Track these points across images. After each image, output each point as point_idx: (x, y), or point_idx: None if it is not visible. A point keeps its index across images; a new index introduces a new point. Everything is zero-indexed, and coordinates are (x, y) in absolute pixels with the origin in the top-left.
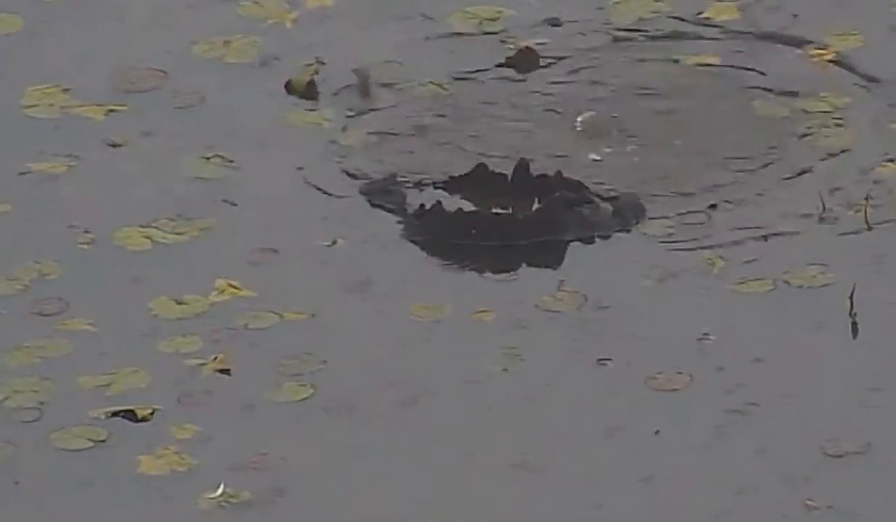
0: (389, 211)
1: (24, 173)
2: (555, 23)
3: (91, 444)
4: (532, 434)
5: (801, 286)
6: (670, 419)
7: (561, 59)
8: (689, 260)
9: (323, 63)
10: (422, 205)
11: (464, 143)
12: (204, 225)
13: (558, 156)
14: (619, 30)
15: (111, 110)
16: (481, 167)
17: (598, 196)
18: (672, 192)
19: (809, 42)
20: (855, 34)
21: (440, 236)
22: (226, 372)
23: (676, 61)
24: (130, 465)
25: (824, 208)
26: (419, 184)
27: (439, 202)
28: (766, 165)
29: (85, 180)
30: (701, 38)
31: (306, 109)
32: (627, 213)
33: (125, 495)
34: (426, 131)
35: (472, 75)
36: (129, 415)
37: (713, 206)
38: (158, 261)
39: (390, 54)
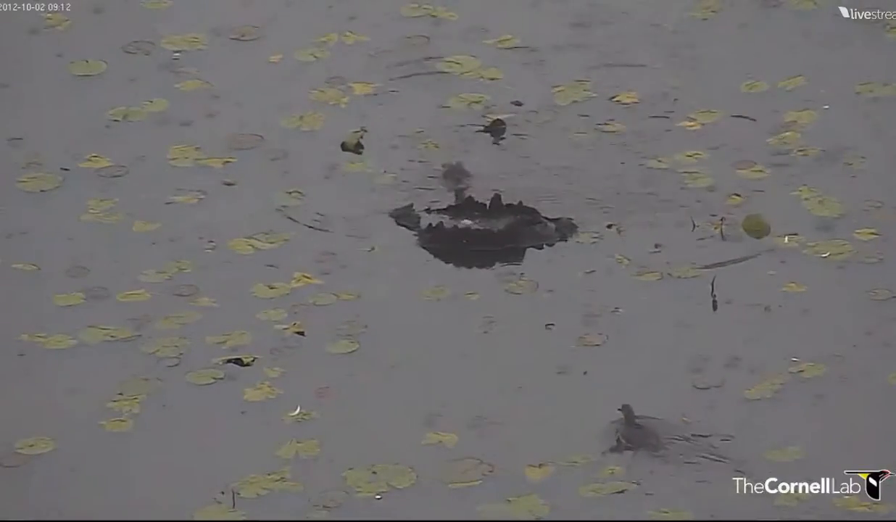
0: (409, 228)
1: (168, 203)
2: (517, 104)
3: (213, 380)
4: (501, 369)
5: (679, 276)
6: (594, 364)
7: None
8: (605, 259)
9: (366, 130)
10: (430, 224)
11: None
12: (287, 237)
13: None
14: (558, 107)
15: (227, 161)
16: (470, 198)
17: (545, 218)
18: (590, 216)
19: (683, 116)
20: (714, 112)
21: (442, 245)
22: (301, 333)
23: (594, 129)
24: (239, 394)
25: (694, 226)
26: (428, 210)
27: (441, 222)
28: (654, 198)
29: (209, 207)
30: (612, 113)
31: (355, 161)
32: (564, 230)
33: (236, 413)
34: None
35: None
36: (238, 362)
37: (610, 226)
38: (258, 260)
39: (413, 124)
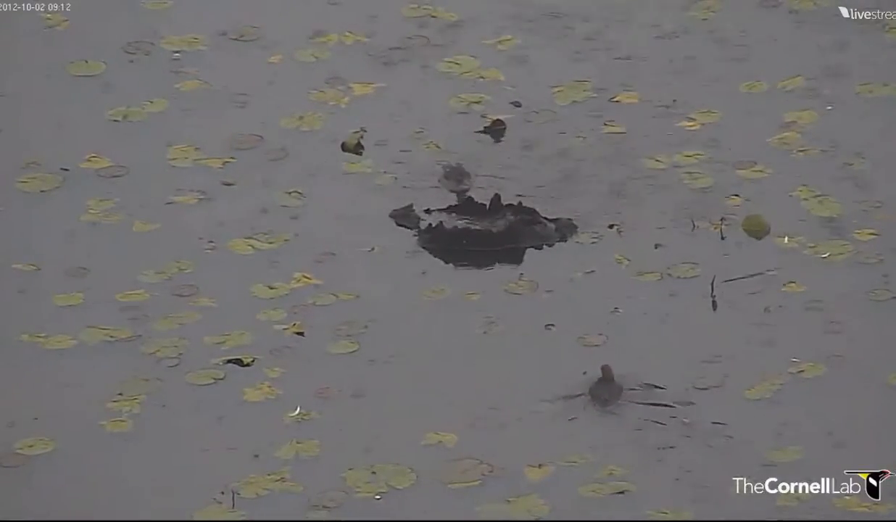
0: (409, 228)
1: (169, 203)
2: (517, 104)
3: (213, 381)
4: (501, 375)
5: (679, 277)
6: (592, 364)
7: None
8: (605, 259)
9: (365, 130)
10: (430, 224)
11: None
12: (287, 236)
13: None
14: (559, 107)
15: (226, 161)
16: (470, 199)
17: (545, 218)
18: (590, 216)
19: (683, 116)
20: (714, 112)
21: (442, 245)
22: (301, 333)
23: (593, 129)
24: (239, 394)
25: (694, 226)
26: (428, 210)
27: (441, 222)
28: (654, 198)
29: (209, 208)
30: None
31: (355, 162)
32: (564, 230)
33: (235, 414)
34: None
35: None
36: (238, 362)
37: (611, 226)
38: (257, 260)
39: (413, 124)
